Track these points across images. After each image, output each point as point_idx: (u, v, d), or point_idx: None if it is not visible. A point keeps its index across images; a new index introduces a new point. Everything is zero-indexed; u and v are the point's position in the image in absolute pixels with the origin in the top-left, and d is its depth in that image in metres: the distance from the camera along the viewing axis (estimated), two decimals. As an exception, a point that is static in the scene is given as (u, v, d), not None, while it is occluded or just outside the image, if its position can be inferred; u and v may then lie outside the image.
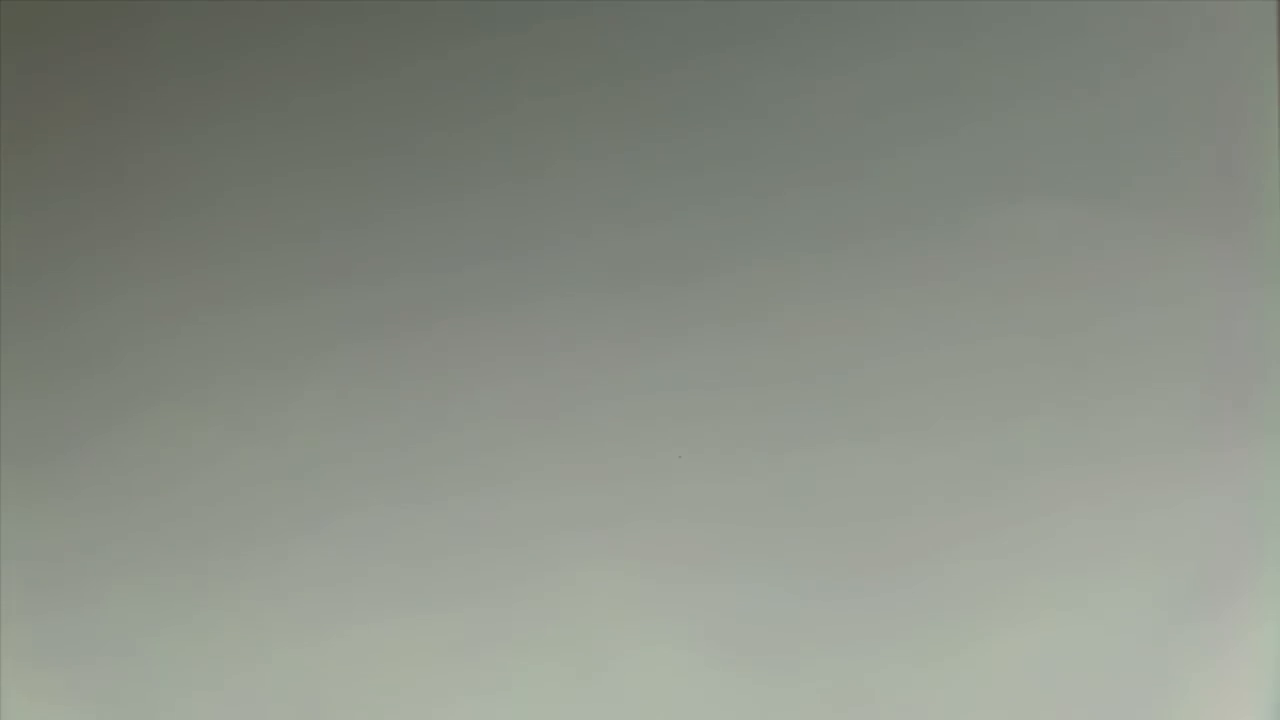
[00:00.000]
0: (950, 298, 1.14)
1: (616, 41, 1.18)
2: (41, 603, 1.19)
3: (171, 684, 1.18)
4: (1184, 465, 1.12)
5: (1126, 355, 1.13)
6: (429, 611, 1.17)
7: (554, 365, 1.17)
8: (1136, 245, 1.13)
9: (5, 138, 1.21)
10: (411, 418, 1.18)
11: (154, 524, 1.19)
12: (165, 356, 1.20)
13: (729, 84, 1.17)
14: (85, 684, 1.18)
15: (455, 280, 1.18)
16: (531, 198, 1.18)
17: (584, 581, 1.16)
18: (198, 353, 1.20)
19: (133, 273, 1.21)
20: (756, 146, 1.16)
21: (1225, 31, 1.12)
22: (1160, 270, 1.13)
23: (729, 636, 1.15)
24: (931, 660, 1.13)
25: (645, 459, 1.16)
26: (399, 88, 1.19)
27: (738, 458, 1.16)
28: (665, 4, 1.17)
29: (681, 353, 1.17)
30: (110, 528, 1.19)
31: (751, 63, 1.17)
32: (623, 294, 1.17)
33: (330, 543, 1.18)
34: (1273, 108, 1.12)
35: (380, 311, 1.19)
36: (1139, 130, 1.13)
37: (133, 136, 1.21)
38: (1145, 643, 1.11)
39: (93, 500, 1.20)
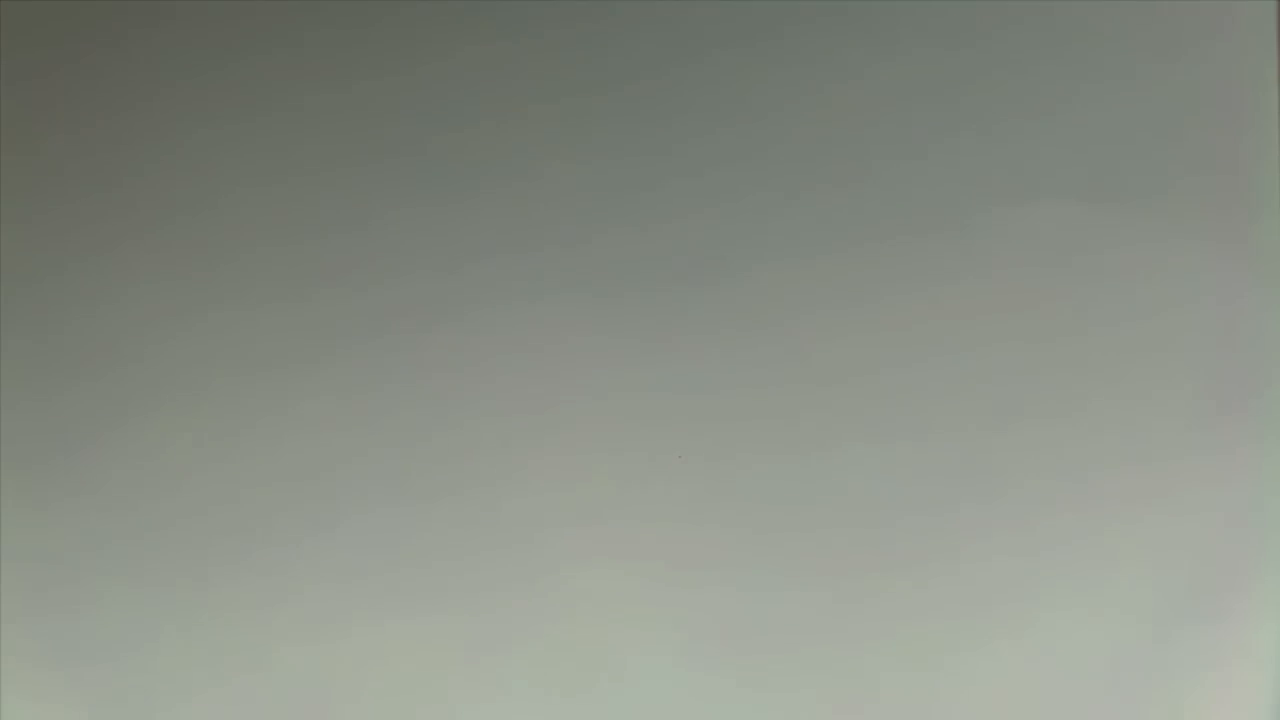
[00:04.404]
0: (953, 300, 1.14)
1: (621, 43, 1.18)
2: (42, 604, 1.19)
3: (172, 686, 1.18)
4: (1185, 467, 1.12)
5: (1128, 357, 1.13)
6: (428, 613, 1.17)
7: (555, 366, 1.17)
8: (1139, 247, 1.13)
9: (5, 138, 1.21)
10: (411, 418, 1.18)
11: (155, 525, 1.19)
12: (167, 357, 1.20)
13: (734, 86, 1.17)
14: (85, 685, 1.18)
15: (458, 281, 1.18)
16: (532, 198, 1.18)
17: (584, 583, 1.16)
18: (198, 354, 1.20)
19: (134, 274, 1.21)
20: (761, 149, 1.16)
21: (1225, 32, 1.12)
22: (1162, 272, 1.13)
23: (729, 639, 1.15)
24: (932, 665, 1.13)
25: (646, 460, 1.16)
26: (401, 88, 1.19)
27: (739, 460, 1.15)
28: (672, 5, 1.17)
29: (683, 354, 1.16)
30: (111, 529, 1.19)
31: (756, 65, 1.17)
32: (625, 295, 1.17)
33: (329, 544, 1.18)
34: (1273, 108, 1.11)
35: (381, 312, 1.19)
36: (1140, 132, 1.13)
37: (134, 137, 1.21)
38: (1146, 646, 1.11)
39: (94, 501, 1.20)
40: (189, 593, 1.19)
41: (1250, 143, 1.12)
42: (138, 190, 1.21)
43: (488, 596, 1.17)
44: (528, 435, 1.17)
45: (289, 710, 1.17)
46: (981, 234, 1.14)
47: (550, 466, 1.17)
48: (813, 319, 1.15)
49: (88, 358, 1.20)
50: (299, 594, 1.18)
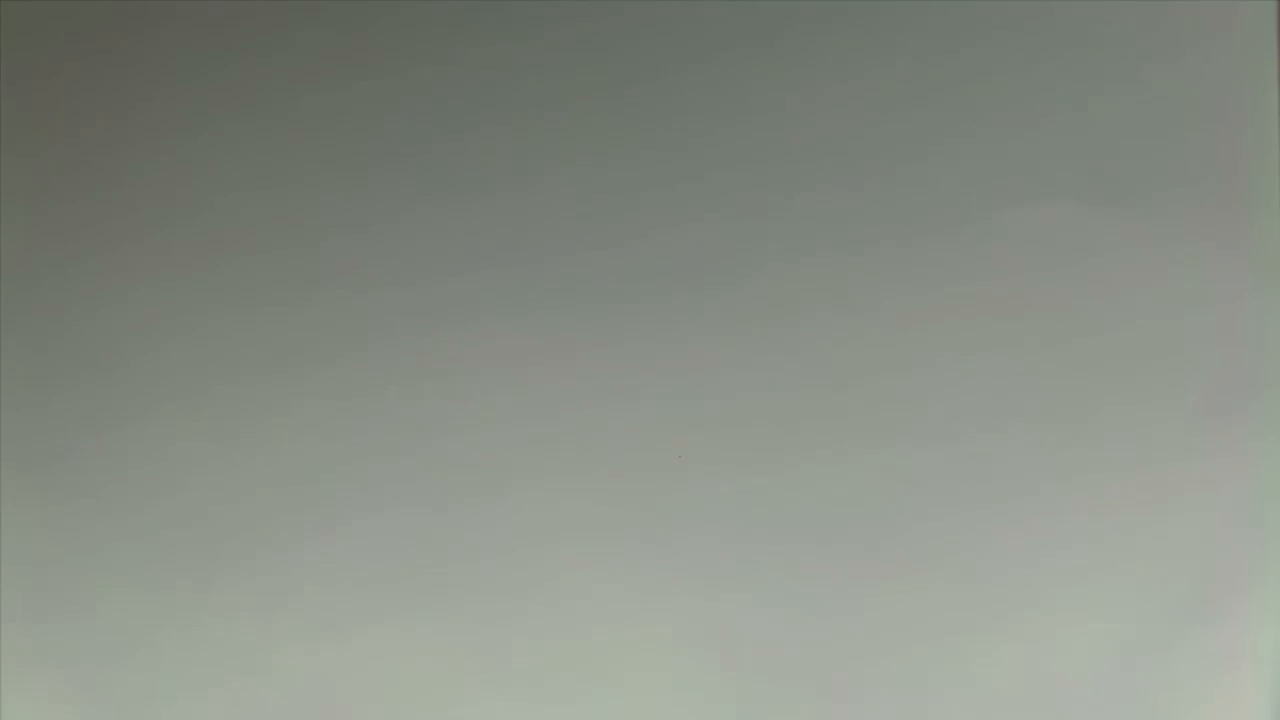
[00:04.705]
0: (953, 303, 1.14)
1: (624, 46, 1.18)
2: (42, 604, 1.19)
3: (172, 687, 1.18)
4: (1186, 469, 1.11)
5: (1128, 358, 1.13)
6: (428, 617, 1.17)
7: (557, 370, 1.17)
8: (1139, 248, 1.13)
9: (5, 139, 1.21)
10: (413, 422, 1.18)
11: (155, 527, 1.19)
12: (167, 358, 1.20)
13: (735, 88, 1.17)
14: (85, 686, 1.19)
15: (460, 284, 1.18)
16: (534, 202, 1.18)
17: (586, 588, 1.16)
18: (199, 356, 1.20)
19: (134, 276, 1.21)
20: (763, 152, 1.16)
21: (1225, 32, 1.12)
22: (1163, 273, 1.13)
23: (730, 644, 1.15)
24: (933, 669, 1.13)
25: (649, 465, 1.16)
26: (403, 91, 1.19)
27: (742, 464, 1.15)
28: (675, 7, 1.17)
29: (685, 358, 1.16)
30: (111, 531, 1.19)
31: (758, 67, 1.16)
32: (627, 299, 1.17)
33: (329, 548, 1.18)
34: (1273, 108, 1.11)
35: (382, 316, 1.19)
36: (1140, 132, 1.13)
37: (135, 138, 1.21)
38: (1146, 648, 1.11)
39: (94, 503, 1.20)
40: (189, 594, 1.19)
41: (1250, 143, 1.11)
42: (138, 191, 1.21)
43: (488, 600, 1.16)
44: (530, 439, 1.17)
45: (289, 713, 1.17)
46: (981, 236, 1.14)
47: (552, 470, 1.17)
48: (814, 323, 1.15)
49: (88, 358, 1.20)
50: (299, 597, 1.18)
